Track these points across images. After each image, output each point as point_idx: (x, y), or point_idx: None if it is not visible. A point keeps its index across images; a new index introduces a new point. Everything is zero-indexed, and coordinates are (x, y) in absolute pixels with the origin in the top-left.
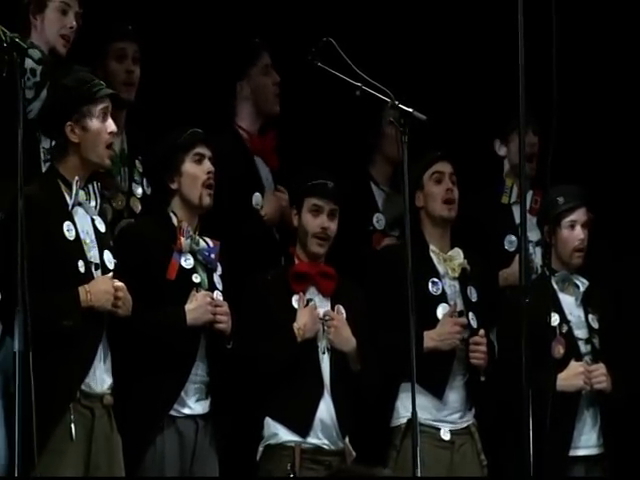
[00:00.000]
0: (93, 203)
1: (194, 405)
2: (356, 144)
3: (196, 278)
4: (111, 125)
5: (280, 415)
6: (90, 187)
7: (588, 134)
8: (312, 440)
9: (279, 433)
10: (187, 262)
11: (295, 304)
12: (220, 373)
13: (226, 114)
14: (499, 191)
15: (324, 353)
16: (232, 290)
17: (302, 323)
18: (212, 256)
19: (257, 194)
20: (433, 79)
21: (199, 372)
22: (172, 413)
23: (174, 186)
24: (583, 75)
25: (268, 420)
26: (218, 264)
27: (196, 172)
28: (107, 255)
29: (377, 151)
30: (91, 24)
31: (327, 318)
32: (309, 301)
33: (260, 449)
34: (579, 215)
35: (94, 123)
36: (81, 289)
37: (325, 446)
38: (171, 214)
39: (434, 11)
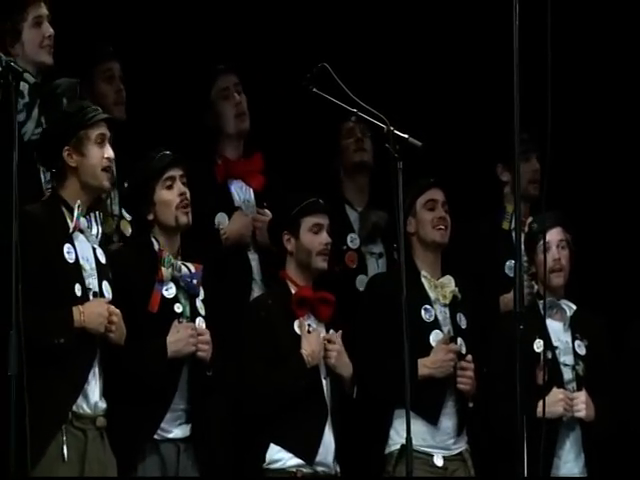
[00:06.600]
0: (94, 231)
1: (175, 430)
2: (329, 166)
3: (178, 308)
4: (108, 150)
5: (285, 441)
6: (92, 216)
7: (584, 159)
8: (314, 466)
9: (283, 459)
10: (169, 291)
11: (297, 330)
12: (201, 399)
13: (208, 143)
14: (499, 217)
15: (325, 378)
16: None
17: (310, 350)
18: (194, 282)
19: (221, 214)
20: (428, 105)
21: (179, 401)
22: (154, 437)
23: (150, 217)
24: (580, 98)
25: (272, 446)
26: (201, 289)
27: (168, 198)
28: (106, 286)
29: (341, 171)
30: (72, 46)
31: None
32: (308, 326)
33: (259, 474)
34: (551, 236)
35: (91, 148)
36: (75, 309)
37: (322, 472)
38: (153, 240)
39: (429, 36)
